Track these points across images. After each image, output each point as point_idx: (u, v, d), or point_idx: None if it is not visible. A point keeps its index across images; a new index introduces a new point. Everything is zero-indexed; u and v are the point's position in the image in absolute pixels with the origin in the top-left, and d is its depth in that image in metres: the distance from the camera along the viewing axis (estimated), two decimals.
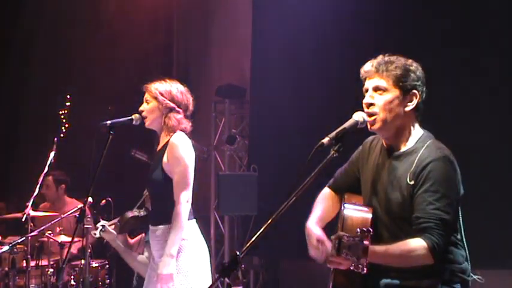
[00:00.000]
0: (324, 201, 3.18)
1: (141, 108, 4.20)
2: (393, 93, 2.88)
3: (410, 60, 2.94)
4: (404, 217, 2.82)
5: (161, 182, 4.09)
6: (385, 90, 2.89)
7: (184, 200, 4.00)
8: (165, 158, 4.08)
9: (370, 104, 2.90)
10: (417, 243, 2.71)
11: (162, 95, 4.15)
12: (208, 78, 8.24)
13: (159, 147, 4.21)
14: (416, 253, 2.71)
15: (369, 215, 2.88)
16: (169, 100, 4.15)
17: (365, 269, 2.43)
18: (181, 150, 4.05)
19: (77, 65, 7.97)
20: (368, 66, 2.95)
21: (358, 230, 2.46)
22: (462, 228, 2.91)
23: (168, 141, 4.13)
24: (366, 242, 2.42)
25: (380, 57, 2.95)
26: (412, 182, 2.81)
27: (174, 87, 4.21)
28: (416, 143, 2.90)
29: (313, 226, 2.97)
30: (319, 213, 3.10)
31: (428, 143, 2.88)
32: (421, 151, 2.85)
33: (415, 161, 2.83)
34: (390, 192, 2.88)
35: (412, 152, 2.88)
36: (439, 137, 2.96)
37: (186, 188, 4.02)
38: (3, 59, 8.03)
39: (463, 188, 2.88)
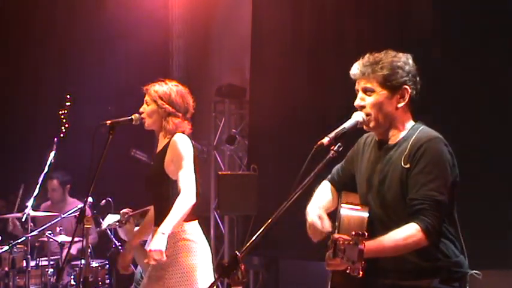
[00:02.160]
0: (324, 192, 3.19)
1: (141, 109, 4.21)
2: (381, 93, 2.89)
3: (399, 55, 2.93)
4: (401, 205, 2.81)
5: (162, 183, 4.11)
6: (372, 91, 2.89)
7: (188, 191, 3.98)
8: (167, 159, 4.09)
9: (361, 107, 2.92)
10: (410, 228, 2.72)
11: (161, 98, 4.15)
12: (208, 78, 8.23)
13: (159, 149, 4.23)
14: (411, 238, 2.71)
15: (365, 214, 2.89)
16: (168, 104, 4.15)
17: (361, 272, 2.43)
18: (181, 148, 4.06)
19: (77, 65, 7.97)
20: (354, 70, 2.97)
21: (353, 233, 2.46)
22: (457, 221, 2.91)
23: (167, 143, 4.14)
24: (360, 246, 2.42)
25: (366, 58, 2.94)
26: (408, 165, 2.81)
27: (174, 91, 4.20)
28: (407, 132, 2.92)
29: (312, 207, 3.02)
30: (319, 199, 3.12)
31: (420, 129, 2.90)
32: (414, 136, 2.87)
33: (409, 145, 2.84)
34: (387, 184, 2.88)
35: (404, 140, 2.90)
36: (442, 133, 2.96)
37: (189, 181, 4.01)
38: (3, 59, 8.02)
39: (458, 175, 2.87)
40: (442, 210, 2.76)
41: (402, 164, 2.82)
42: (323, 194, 3.17)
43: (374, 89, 2.88)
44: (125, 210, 4.50)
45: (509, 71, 5.49)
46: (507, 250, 5.32)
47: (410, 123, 2.95)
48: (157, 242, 3.89)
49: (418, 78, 2.94)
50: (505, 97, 5.51)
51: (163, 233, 3.91)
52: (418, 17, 5.96)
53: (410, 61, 2.94)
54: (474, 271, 2.93)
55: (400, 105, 2.90)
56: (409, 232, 2.71)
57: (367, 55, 2.95)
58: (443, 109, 5.46)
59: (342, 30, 6.54)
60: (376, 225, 2.86)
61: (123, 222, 4.43)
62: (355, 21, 6.42)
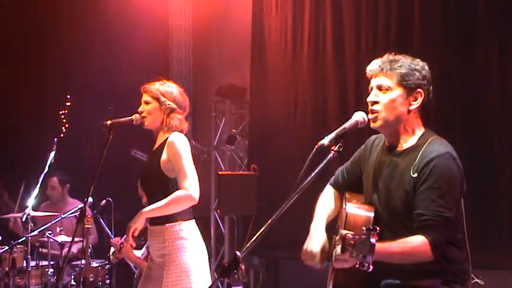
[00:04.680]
0: (327, 200, 3.19)
1: (140, 109, 4.19)
2: (397, 91, 2.89)
3: (416, 60, 2.94)
4: (407, 213, 2.82)
5: (158, 180, 4.11)
6: (388, 88, 2.89)
7: (190, 191, 4.01)
8: (163, 157, 4.09)
9: (374, 102, 2.91)
10: (419, 241, 2.72)
11: (164, 95, 4.17)
12: (209, 78, 8.24)
13: (156, 146, 4.22)
14: (418, 250, 2.72)
15: (371, 214, 2.89)
16: (171, 101, 4.17)
17: (371, 266, 2.43)
18: (179, 147, 4.07)
19: (77, 65, 7.96)
20: (373, 65, 2.96)
21: (364, 228, 2.46)
22: (465, 229, 2.92)
23: (164, 140, 4.15)
24: (372, 240, 2.42)
25: (385, 56, 2.96)
26: (416, 175, 2.81)
27: (175, 89, 4.24)
28: (418, 140, 2.91)
29: (319, 231, 2.98)
30: (325, 214, 3.11)
31: (430, 139, 2.89)
32: (424, 147, 2.86)
33: (418, 156, 2.83)
34: (392, 190, 2.88)
35: (414, 148, 2.89)
36: (442, 134, 2.96)
37: (192, 181, 4.03)
38: (3, 59, 8.02)
39: (465, 185, 2.89)
40: (450, 226, 2.78)
41: (411, 173, 2.82)
42: (326, 207, 3.15)
43: (391, 85, 2.88)
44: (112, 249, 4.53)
45: None
46: (507, 250, 5.31)
47: (420, 130, 2.94)
48: (134, 220, 4.00)
49: (431, 87, 2.94)
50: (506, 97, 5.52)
51: (141, 213, 4.01)
52: (419, 18, 5.96)
53: (427, 68, 2.95)
54: (479, 279, 2.94)
55: (412, 107, 2.89)
56: (417, 244, 2.72)
57: (386, 54, 2.96)
58: (444, 110, 5.46)
59: (341, 30, 6.54)
60: (382, 228, 2.85)
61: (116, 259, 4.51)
62: (354, 21, 6.43)
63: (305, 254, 2.93)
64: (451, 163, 2.81)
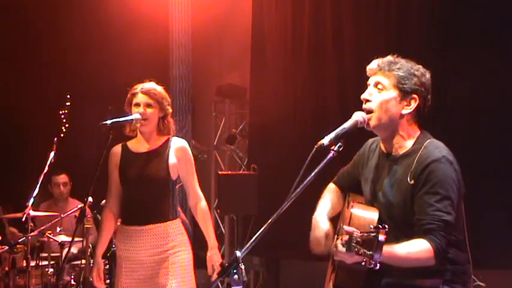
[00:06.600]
0: (330, 195, 3.20)
1: (141, 111, 4.14)
2: (391, 93, 2.88)
3: (419, 66, 2.93)
4: (407, 220, 2.81)
5: (164, 181, 4.15)
6: (383, 88, 2.89)
7: (203, 198, 4.29)
8: (172, 160, 4.14)
9: (367, 100, 2.91)
10: (422, 245, 2.71)
11: (164, 99, 4.20)
12: (209, 78, 8.24)
13: (153, 147, 4.21)
14: (422, 255, 2.71)
15: (376, 216, 2.88)
16: (168, 105, 4.24)
17: (378, 264, 2.43)
18: (190, 154, 4.24)
19: (77, 65, 7.96)
20: (373, 64, 2.96)
21: (372, 226, 2.46)
22: (465, 230, 2.91)
23: (163, 143, 4.18)
24: (381, 238, 2.42)
25: (388, 57, 2.95)
26: (413, 182, 2.80)
27: (163, 91, 4.26)
28: (413, 145, 2.90)
29: (322, 218, 3.01)
30: (328, 205, 3.13)
31: (426, 143, 2.87)
32: (420, 152, 2.84)
33: (415, 162, 2.82)
34: (391, 197, 2.88)
35: (410, 153, 2.88)
36: (442, 136, 2.96)
37: (198, 186, 4.28)
38: (3, 59, 8.02)
39: (464, 187, 2.88)
40: (449, 230, 2.77)
41: (408, 179, 2.82)
42: (330, 200, 3.17)
43: (386, 85, 2.88)
44: None
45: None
46: (507, 250, 5.31)
47: (416, 133, 2.93)
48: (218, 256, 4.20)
49: (429, 96, 2.92)
50: (507, 97, 5.52)
51: (214, 246, 4.21)
52: (418, 18, 5.97)
53: (428, 76, 2.93)
54: (480, 281, 2.94)
55: (404, 111, 2.88)
56: (422, 248, 2.71)
57: (390, 55, 2.96)
58: (444, 110, 5.46)
59: (341, 30, 6.55)
60: None
61: None
62: (354, 21, 6.44)
63: (311, 243, 2.95)
64: (447, 167, 2.80)
